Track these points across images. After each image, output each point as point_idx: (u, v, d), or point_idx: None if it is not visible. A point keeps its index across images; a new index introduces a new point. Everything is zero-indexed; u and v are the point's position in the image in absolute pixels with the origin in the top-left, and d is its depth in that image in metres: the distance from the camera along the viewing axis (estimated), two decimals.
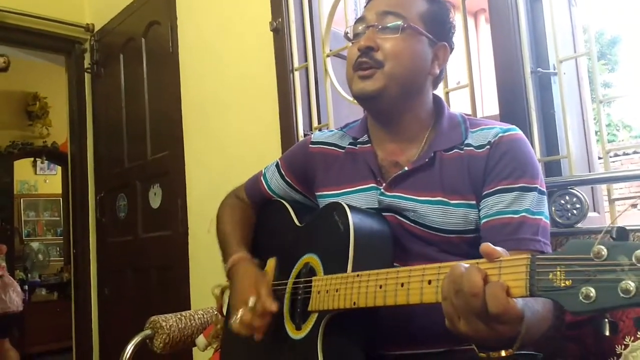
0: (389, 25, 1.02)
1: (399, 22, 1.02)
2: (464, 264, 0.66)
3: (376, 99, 1.03)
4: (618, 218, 1.40)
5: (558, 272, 0.58)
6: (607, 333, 0.56)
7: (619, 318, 1.04)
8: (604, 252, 0.55)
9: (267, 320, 1.00)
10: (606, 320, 0.57)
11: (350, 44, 1.10)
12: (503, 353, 0.67)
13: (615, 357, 1.06)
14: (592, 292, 0.54)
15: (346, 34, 1.11)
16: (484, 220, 0.96)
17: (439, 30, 1.07)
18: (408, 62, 1.02)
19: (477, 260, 0.67)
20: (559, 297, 0.57)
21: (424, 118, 1.07)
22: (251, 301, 0.99)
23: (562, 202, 1.34)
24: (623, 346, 1.06)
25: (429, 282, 0.73)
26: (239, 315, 0.99)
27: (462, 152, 1.01)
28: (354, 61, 1.04)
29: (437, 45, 1.06)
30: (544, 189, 0.97)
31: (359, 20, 1.09)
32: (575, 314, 0.56)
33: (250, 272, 1.08)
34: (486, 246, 0.66)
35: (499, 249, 0.66)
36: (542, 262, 0.60)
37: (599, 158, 1.64)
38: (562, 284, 0.57)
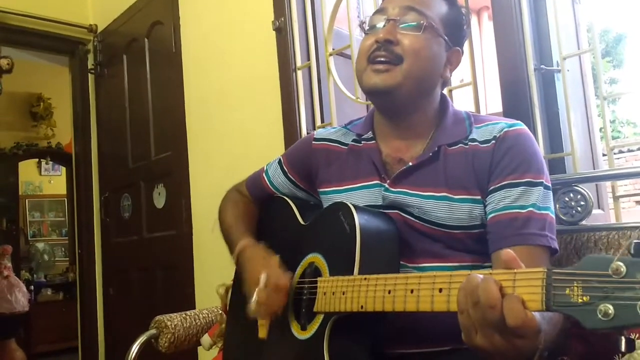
0: (411, 22, 1.01)
1: (422, 21, 1.01)
2: (479, 275, 0.64)
3: (389, 95, 1.02)
4: (623, 215, 1.39)
5: (575, 288, 0.57)
6: (623, 350, 0.55)
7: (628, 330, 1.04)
8: (623, 269, 0.54)
9: (283, 296, 0.98)
10: (623, 337, 0.56)
11: (364, 35, 1.07)
12: None
13: (620, 355, 1.06)
14: (611, 309, 0.54)
15: (362, 24, 1.08)
16: (490, 215, 0.95)
17: (455, 35, 1.06)
18: (425, 62, 1.02)
19: (490, 271, 0.66)
20: (576, 313, 0.56)
21: (430, 116, 1.07)
22: (262, 278, 0.97)
23: (567, 199, 1.34)
24: None
25: (440, 290, 0.72)
26: (254, 298, 0.97)
27: (466, 147, 1.01)
28: (368, 53, 1.02)
29: (452, 50, 1.06)
30: (550, 184, 0.97)
31: (379, 12, 1.06)
32: (592, 330, 0.55)
33: (257, 254, 1.08)
34: (508, 253, 0.65)
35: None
36: (558, 277, 0.59)
37: (603, 155, 1.63)
38: (580, 300, 0.56)
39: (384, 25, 1.02)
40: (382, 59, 1.00)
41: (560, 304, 0.58)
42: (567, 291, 0.57)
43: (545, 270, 0.60)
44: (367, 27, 1.07)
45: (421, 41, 1.00)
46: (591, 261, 0.57)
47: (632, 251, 0.55)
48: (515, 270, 0.63)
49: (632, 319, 0.53)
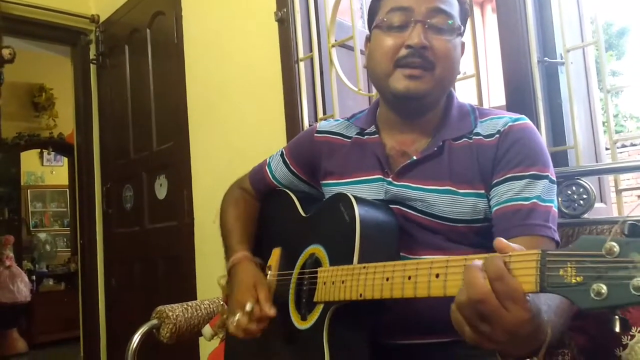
0: (442, 25, 0.99)
1: (451, 23, 0.99)
2: (473, 262, 0.65)
3: (419, 101, 1.01)
4: (625, 209, 1.39)
5: (569, 269, 0.57)
6: (618, 329, 0.55)
7: (625, 309, 1.04)
8: (616, 248, 0.54)
9: (264, 325, 1.01)
10: (617, 317, 0.56)
11: (378, 30, 1.03)
12: None
13: (620, 348, 1.06)
14: (604, 289, 0.54)
15: (382, 21, 1.02)
16: (495, 208, 0.96)
17: (464, 27, 1.06)
18: (454, 65, 1.02)
19: (486, 255, 0.66)
20: (569, 293, 0.57)
21: (438, 111, 1.07)
22: (248, 306, 1.00)
23: (569, 192, 1.33)
24: (629, 337, 1.06)
25: (437, 275, 0.72)
26: (235, 319, 1.00)
27: (471, 141, 1.01)
28: (394, 55, 0.99)
29: (461, 43, 1.06)
30: (555, 179, 0.97)
31: (401, 10, 0.99)
32: (585, 310, 0.55)
33: (249, 274, 1.09)
34: (499, 242, 0.65)
35: (514, 245, 0.64)
36: (552, 258, 0.59)
37: (607, 149, 1.63)
38: (573, 280, 0.56)
39: (410, 26, 0.98)
40: (416, 65, 0.98)
41: (554, 284, 0.58)
42: (561, 272, 0.58)
43: (540, 252, 0.60)
44: (384, 24, 1.01)
45: (451, 45, 0.99)
46: (585, 242, 0.57)
47: (625, 232, 0.55)
48: (511, 253, 0.63)
49: (625, 298, 0.53)
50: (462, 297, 0.64)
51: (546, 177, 0.95)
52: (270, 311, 1.00)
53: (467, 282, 0.63)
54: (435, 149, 1.01)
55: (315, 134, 1.20)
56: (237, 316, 1.00)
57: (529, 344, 0.64)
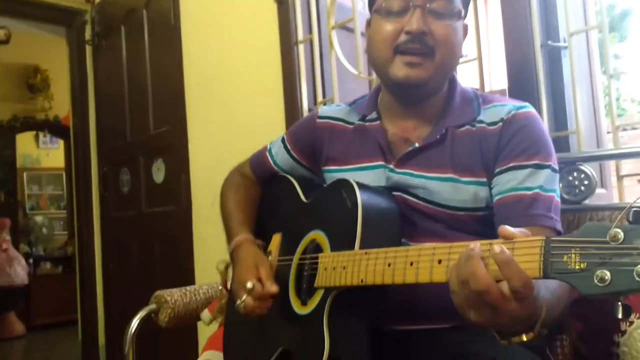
0: (443, 10, 0.96)
1: (452, 7, 0.97)
2: (468, 252, 0.64)
3: (420, 88, 1.00)
4: (626, 194, 1.39)
5: (573, 255, 0.57)
6: (620, 316, 0.56)
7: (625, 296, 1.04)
8: (621, 235, 0.54)
9: (269, 303, 1.01)
10: (619, 303, 0.56)
11: (369, 11, 1.03)
12: (524, 337, 0.66)
13: (619, 334, 1.07)
14: (607, 275, 0.54)
15: (381, 6, 1.00)
16: (497, 197, 0.95)
17: (466, 11, 1.03)
18: (456, 51, 1.00)
19: (490, 241, 0.66)
20: (573, 279, 0.57)
21: (441, 97, 1.05)
22: (249, 284, 1.00)
23: (570, 178, 1.33)
24: (628, 323, 1.06)
25: (439, 261, 0.72)
26: (242, 300, 1.00)
27: (473, 129, 1.00)
28: (393, 42, 0.97)
29: (464, 26, 1.04)
30: (557, 167, 0.96)
31: None
32: (588, 296, 0.55)
33: (251, 255, 1.09)
34: (504, 229, 0.65)
35: (517, 230, 0.64)
36: (556, 245, 0.59)
37: (608, 132, 1.62)
38: (577, 267, 0.57)
39: (409, 11, 0.96)
40: (415, 52, 0.96)
41: (558, 271, 0.59)
42: (565, 258, 0.58)
43: (544, 238, 0.61)
44: (383, 9, 1.00)
45: (451, 30, 0.97)
46: (589, 228, 0.57)
47: (630, 219, 0.55)
48: (515, 240, 0.64)
49: (629, 285, 0.53)
50: (465, 288, 0.64)
51: (549, 166, 0.94)
52: (272, 288, 1.00)
53: (470, 273, 0.63)
54: (438, 136, 1.00)
55: (317, 119, 1.18)
56: (243, 298, 1.00)
57: (525, 322, 0.65)
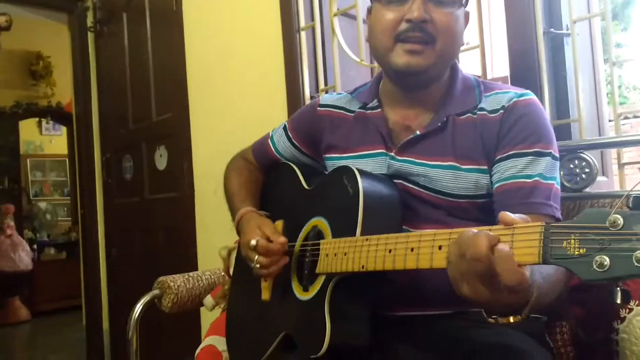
0: None
1: None
2: (474, 230, 0.65)
3: (421, 76, 1.00)
4: (627, 182, 1.39)
5: (572, 241, 0.57)
6: (619, 301, 0.56)
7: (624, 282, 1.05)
8: (620, 221, 0.54)
9: (284, 259, 1.01)
10: (618, 288, 0.56)
11: (378, 4, 1.01)
12: (511, 319, 0.68)
13: (619, 321, 1.07)
14: (607, 260, 0.54)
15: None
16: (496, 185, 0.95)
17: None
18: (456, 39, 1.00)
19: (490, 227, 0.66)
20: (572, 265, 0.57)
21: (442, 84, 1.05)
22: (253, 242, 1.00)
23: (571, 166, 1.33)
24: (627, 310, 1.07)
25: (440, 247, 0.72)
26: (255, 260, 1.00)
27: (475, 116, 1.00)
28: (395, 30, 0.97)
29: (465, 14, 1.04)
30: (558, 155, 0.97)
31: None
32: (587, 281, 0.56)
33: (253, 220, 1.10)
34: (504, 215, 0.65)
35: (517, 216, 0.65)
36: (556, 230, 0.59)
37: (610, 120, 1.62)
38: (576, 252, 0.57)
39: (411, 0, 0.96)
40: (416, 40, 0.96)
41: (557, 256, 0.59)
42: (564, 244, 0.58)
43: (543, 224, 0.61)
44: None
45: (452, 17, 0.97)
46: (589, 214, 0.57)
47: (630, 204, 0.55)
48: (514, 226, 0.64)
49: (628, 270, 0.53)
50: (462, 259, 0.64)
51: (549, 154, 0.94)
52: (280, 239, 1.00)
53: (471, 244, 0.63)
54: (439, 124, 1.00)
55: (318, 108, 1.19)
56: (255, 257, 1.00)
57: (514, 306, 0.66)
